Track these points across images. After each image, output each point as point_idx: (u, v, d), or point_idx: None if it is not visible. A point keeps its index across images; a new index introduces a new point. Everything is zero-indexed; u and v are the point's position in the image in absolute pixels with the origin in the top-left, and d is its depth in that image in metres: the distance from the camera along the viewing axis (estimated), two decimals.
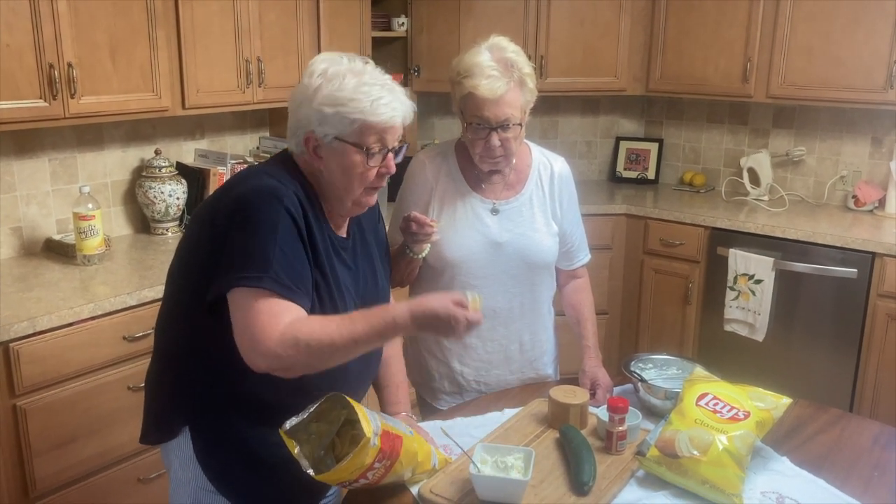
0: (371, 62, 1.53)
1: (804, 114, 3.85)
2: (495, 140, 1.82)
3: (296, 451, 1.36)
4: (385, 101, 1.46)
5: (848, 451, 1.71)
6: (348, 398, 1.41)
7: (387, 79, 1.51)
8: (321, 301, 1.48)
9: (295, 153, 1.54)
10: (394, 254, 1.91)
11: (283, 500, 1.58)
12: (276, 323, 1.34)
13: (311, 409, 1.41)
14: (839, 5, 3.33)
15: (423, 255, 1.89)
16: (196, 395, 1.53)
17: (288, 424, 1.38)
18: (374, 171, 1.51)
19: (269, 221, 1.40)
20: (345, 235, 1.62)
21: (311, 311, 1.43)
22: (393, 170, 1.54)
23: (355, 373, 1.59)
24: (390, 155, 1.52)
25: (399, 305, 1.40)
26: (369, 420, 1.38)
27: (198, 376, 1.52)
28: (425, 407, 2.12)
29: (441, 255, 1.92)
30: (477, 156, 1.89)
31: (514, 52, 1.84)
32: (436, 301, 1.38)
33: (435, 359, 2.04)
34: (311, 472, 1.36)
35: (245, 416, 1.52)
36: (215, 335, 1.43)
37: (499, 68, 1.79)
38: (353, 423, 1.42)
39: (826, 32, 3.38)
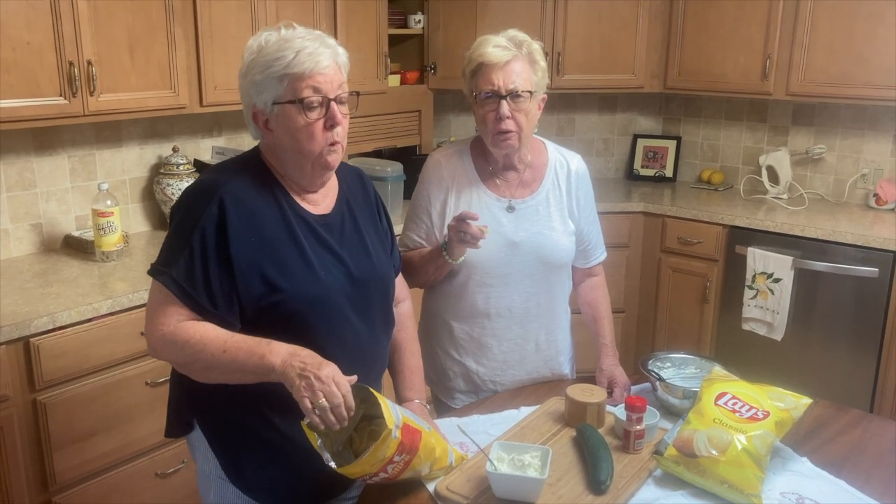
0: (299, 27, 1.51)
1: (824, 111, 3.81)
2: (505, 108, 1.80)
3: (317, 443, 1.36)
4: (308, 50, 1.45)
5: (869, 453, 1.69)
6: (371, 389, 1.41)
7: (316, 33, 1.50)
8: (291, 276, 1.48)
9: (258, 141, 1.57)
10: (423, 256, 1.91)
11: (296, 494, 1.59)
12: (162, 322, 1.44)
13: None
14: (861, 3, 3.28)
15: (460, 260, 1.87)
16: (202, 387, 1.54)
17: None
18: (320, 125, 1.48)
19: (191, 220, 1.46)
20: (326, 212, 1.60)
21: (285, 286, 1.46)
22: (338, 119, 1.48)
23: (364, 361, 1.58)
24: (333, 104, 1.47)
25: (280, 348, 1.37)
26: (391, 412, 1.38)
27: None
28: (440, 405, 2.12)
29: None
30: (489, 136, 1.87)
31: (526, 36, 1.86)
32: (305, 358, 1.35)
33: (450, 358, 2.04)
34: (332, 464, 1.36)
35: (251, 408, 1.53)
36: None
37: (508, 42, 1.83)
38: (370, 418, 1.42)
39: (848, 29, 3.34)
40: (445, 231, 1.86)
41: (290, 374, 1.34)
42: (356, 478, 1.41)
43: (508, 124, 1.82)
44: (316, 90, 1.46)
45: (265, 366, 1.37)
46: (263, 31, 1.51)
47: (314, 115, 1.47)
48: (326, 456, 1.36)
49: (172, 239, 1.49)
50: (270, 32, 1.50)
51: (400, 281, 1.83)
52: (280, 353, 1.37)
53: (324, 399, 1.31)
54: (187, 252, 1.43)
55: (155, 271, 1.48)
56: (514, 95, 1.80)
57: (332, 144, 1.50)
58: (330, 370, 1.34)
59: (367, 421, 1.45)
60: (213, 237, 1.44)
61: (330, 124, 1.48)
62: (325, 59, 1.46)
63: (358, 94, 1.55)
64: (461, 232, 1.75)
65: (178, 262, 1.43)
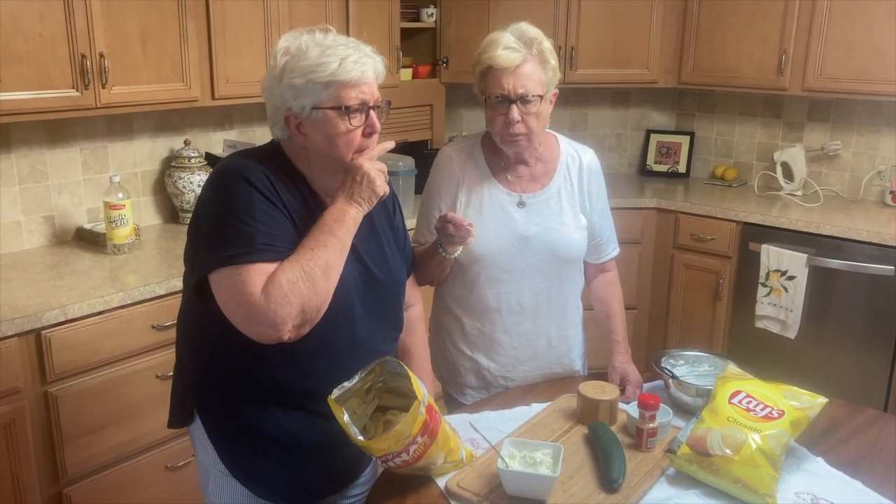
0: (333, 30, 1.52)
1: (840, 107, 3.77)
2: (515, 113, 1.79)
3: (344, 418, 1.37)
4: (353, 58, 1.46)
5: (886, 454, 1.67)
6: (402, 364, 1.45)
7: (350, 40, 1.51)
8: None
9: (281, 139, 1.56)
10: (424, 252, 1.89)
11: (294, 489, 1.59)
12: (255, 288, 1.36)
13: (361, 375, 1.43)
14: None
15: (456, 255, 1.86)
16: (202, 379, 1.56)
17: (336, 392, 1.40)
18: (359, 132, 1.49)
19: (239, 197, 1.42)
20: None
21: None
22: (377, 127, 1.52)
23: (370, 360, 1.57)
24: (372, 113, 1.50)
25: (334, 205, 1.47)
26: (420, 387, 1.40)
27: (200, 359, 1.54)
28: (451, 402, 2.11)
29: (468, 249, 1.90)
30: (498, 136, 1.86)
31: (536, 32, 1.83)
32: (354, 170, 1.48)
33: (461, 353, 2.03)
34: (361, 437, 1.37)
35: (251, 399, 1.53)
36: (207, 318, 1.45)
37: (518, 43, 1.80)
38: (384, 409, 1.46)
39: (865, 24, 3.29)
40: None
41: (351, 200, 1.47)
42: (379, 455, 1.41)
43: (518, 128, 1.81)
44: (358, 99, 1.47)
45: (336, 211, 1.45)
46: (294, 33, 1.51)
47: (357, 121, 1.48)
48: (354, 430, 1.37)
49: (227, 224, 1.41)
50: (304, 36, 1.49)
51: (411, 284, 1.83)
52: (335, 202, 1.47)
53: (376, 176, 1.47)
54: (252, 222, 1.39)
55: (227, 258, 1.37)
56: (524, 100, 1.79)
57: (364, 150, 1.52)
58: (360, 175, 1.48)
59: (381, 411, 1.47)
60: (263, 204, 1.42)
61: (368, 132, 1.51)
62: (369, 69, 1.48)
63: (389, 103, 1.57)
64: (448, 234, 1.75)
65: (253, 234, 1.38)
